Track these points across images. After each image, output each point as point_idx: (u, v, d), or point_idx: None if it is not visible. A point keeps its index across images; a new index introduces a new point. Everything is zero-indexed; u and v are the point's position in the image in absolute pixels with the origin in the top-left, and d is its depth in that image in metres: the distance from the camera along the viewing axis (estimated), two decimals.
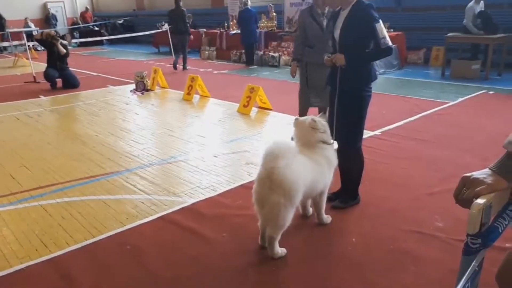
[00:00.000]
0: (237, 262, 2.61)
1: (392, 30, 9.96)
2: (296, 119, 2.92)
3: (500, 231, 1.08)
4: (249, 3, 11.44)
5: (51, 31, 9.00)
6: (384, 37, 2.82)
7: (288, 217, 2.50)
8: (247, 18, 11.30)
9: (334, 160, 2.88)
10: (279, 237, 2.56)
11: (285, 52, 11.69)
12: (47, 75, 8.82)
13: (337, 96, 3.05)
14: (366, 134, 4.89)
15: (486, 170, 1.12)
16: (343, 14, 2.95)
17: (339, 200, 3.26)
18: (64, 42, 9.07)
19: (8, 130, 5.88)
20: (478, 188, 1.07)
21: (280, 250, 2.60)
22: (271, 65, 11.41)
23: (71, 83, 8.85)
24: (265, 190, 2.43)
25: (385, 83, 8.43)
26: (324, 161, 2.78)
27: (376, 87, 7.94)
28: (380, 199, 3.37)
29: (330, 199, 3.21)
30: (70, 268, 2.59)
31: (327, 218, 3.00)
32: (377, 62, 9.20)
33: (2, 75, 11.40)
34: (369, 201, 3.31)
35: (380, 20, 2.85)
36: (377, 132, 5.08)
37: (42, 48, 10.51)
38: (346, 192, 3.30)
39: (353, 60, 2.91)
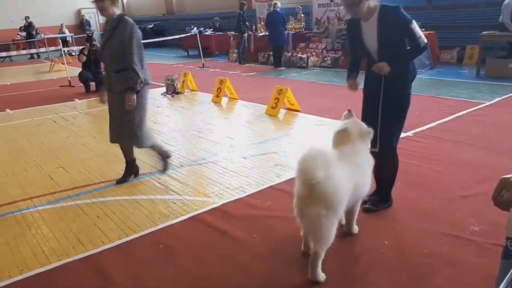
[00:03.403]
0: (268, 262, 2.62)
1: (423, 29, 9.72)
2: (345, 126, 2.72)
3: None
4: (279, 5, 11.47)
5: (86, 46, 9.26)
6: (420, 36, 2.81)
7: (333, 230, 2.31)
8: (275, 20, 11.34)
9: (372, 162, 2.79)
10: (323, 254, 2.35)
11: (313, 53, 11.64)
12: (81, 77, 9.13)
13: (381, 99, 3.00)
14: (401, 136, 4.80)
15: None
16: (370, 25, 2.88)
17: (371, 203, 3.21)
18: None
19: (46, 132, 6.13)
20: None
21: (321, 275, 2.37)
22: (299, 66, 11.39)
23: (98, 81, 9.13)
24: (306, 204, 2.27)
25: (417, 83, 8.07)
26: (366, 163, 2.69)
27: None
28: (412, 201, 3.31)
29: (364, 201, 3.17)
30: (105, 265, 2.68)
31: (356, 229, 2.89)
32: None
33: (40, 80, 11.89)
34: (401, 204, 3.26)
35: (413, 20, 2.81)
36: (410, 133, 4.97)
37: (77, 53, 10.86)
38: (379, 194, 3.25)
39: (395, 64, 2.87)
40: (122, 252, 2.84)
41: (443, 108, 6.12)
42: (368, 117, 3.06)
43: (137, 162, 4.20)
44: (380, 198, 3.24)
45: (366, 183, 2.68)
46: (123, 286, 2.47)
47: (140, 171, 4.24)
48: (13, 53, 14.45)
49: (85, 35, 10.03)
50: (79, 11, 22.67)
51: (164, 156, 4.10)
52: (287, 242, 2.84)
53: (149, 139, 3.92)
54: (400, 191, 3.36)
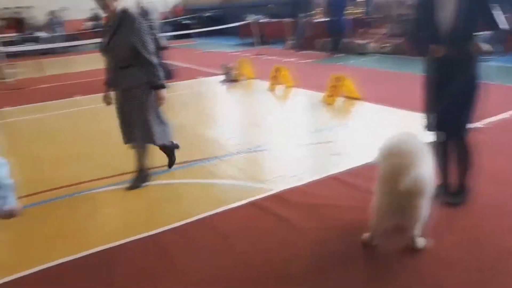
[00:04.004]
0: (324, 250, 2.61)
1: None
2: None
3: None
4: None
5: None
6: (502, 20, 2.61)
7: (428, 210, 2.43)
8: (336, 6, 11.07)
9: None
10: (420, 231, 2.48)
11: (373, 39, 11.22)
12: None
13: (451, 85, 2.83)
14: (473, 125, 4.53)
15: None
16: (448, 3, 2.71)
17: (451, 196, 3.06)
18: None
19: (112, 118, 6.46)
20: None
21: (423, 240, 2.51)
22: (358, 52, 11.04)
23: (164, 75, 9.44)
24: (404, 198, 2.29)
25: (486, 70, 7.68)
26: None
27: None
28: (485, 195, 3.09)
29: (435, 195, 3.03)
30: (167, 245, 2.81)
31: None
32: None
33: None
34: (473, 197, 3.07)
35: (495, 4, 2.62)
36: (479, 124, 4.65)
37: None
38: (459, 187, 3.09)
39: (467, 47, 2.68)
40: (182, 234, 2.96)
41: None
42: (433, 105, 2.91)
43: (194, 149, 4.30)
44: (457, 190, 3.09)
45: None
46: (184, 267, 2.57)
47: (199, 157, 4.36)
48: (81, 42, 15.29)
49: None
50: (139, 1, 23.49)
51: (171, 152, 3.97)
52: (344, 231, 2.80)
53: (167, 134, 3.79)
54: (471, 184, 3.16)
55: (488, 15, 2.64)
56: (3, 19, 18.66)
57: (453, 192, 3.08)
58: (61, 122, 6.57)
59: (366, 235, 2.61)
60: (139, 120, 3.56)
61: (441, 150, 3.09)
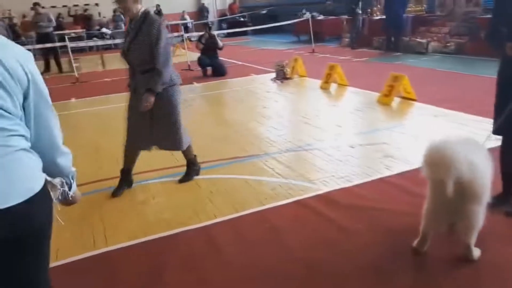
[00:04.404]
0: (371, 253, 2.57)
1: None
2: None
3: None
4: None
5: (204, 34, 9.86)
6: None
7: (483, 217, 2.32)
8: (394, 2, 10.71)
9: None
10: (475, 240, 2.36)
11: (434, 38, 10.73)
12: (200, 62, 9.81)
13: None
14: None
15: None
16: None
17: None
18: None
19: None
20: None
21: (477, 251, 2.40)
22: (417, 52, 10.60)
23: (219, 71, 9.66)
24: (454, 203, 2.20)
25: None
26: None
27: None
28: None
29: (491, 204, 2.88)
30: (216, 237, 2.90)
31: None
32: None
33: None
34: None
35: None
36: None
37: (196, 38, 11.60)
38: None
39: None
40: (231, 226, 3.04)
41: None
42: (505, 108, 2.74)
43: (245, 145, 4.35)
44: None
45: None
46: (234, 259, 2.64)
47: (249, 153, 4.43)
48: None
49: (204, 22, 10.63)
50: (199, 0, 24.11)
51: (193, 163, 3.94)
52: (394, 235, 2.74)
53: (187, 140, 3.75)
54: None
55: None
56: (72, 16, 19.93)
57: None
58: (120, 114, 6.92)
59: (416, 241, 2.52)
60: (166, 125, 3.54)
61: (507, 155, 2.91)
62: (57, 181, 1.50)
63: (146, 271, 2.61)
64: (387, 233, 2.78)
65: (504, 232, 2.70)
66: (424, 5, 11.88)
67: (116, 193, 3.68)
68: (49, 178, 1.46)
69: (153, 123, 3.53)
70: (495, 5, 3.03)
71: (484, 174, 2.26)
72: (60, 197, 1.54)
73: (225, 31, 18.02)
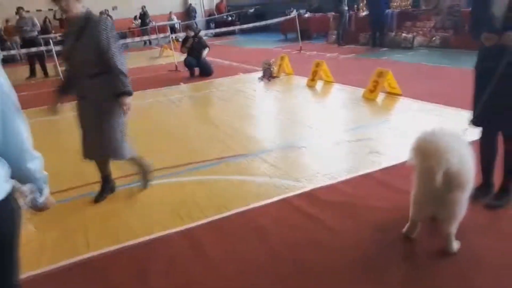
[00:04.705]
0: (358, 251, 2.57)
1: None
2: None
3: None
4: None
5: (189, 35, 9.79)
6: None
7: (465, 207, 2.38)
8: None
9: None
10: (455, 230, 2.41)
11: (420, 33, 10.80)
12: (186, 63, 9.75)
13: (504, 78, 2.66)
14: None
15: None
16: None
17: (493, 198, 2.92)
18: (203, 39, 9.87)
19: (154, 114, 6.70)
20: None
21: (457, 243, 2.45)
22: (403, 47, 10.67)
23: (206, 71, 9.63)
24: (441, 191, 2.25)
25: None
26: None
27: None
28: None
29: (471, 196, 2.91)
30: (201, 239, 2.88)
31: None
32: None
33: (150, 65, 12.97)
34: None
35: None
36: None
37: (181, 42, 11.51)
38: (503, 188, 2.94)
39: None
40: (216, 228, 3.01)
41: None
42: (482, 100, 2.76)
43: (231, 144, 4.34)
44: (500, 191, 2.94)
45: None
46: (219, 261, 2.62)
47: (235, 152, 4.42)
48: (129, 40, 15.90)
49: (187, 24, 10.57)
50: (186, 0, 24.01)
51: (145, 169, 3.74)
52: (379, 231, 2.74)
53: (130, 150, 3.52)
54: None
55: None
56: (58, 19, 19.71)
57: (495, 194, 2.92)
58: None
59: (406, 228, 2.60)
60: (104, 132, 3.32)
61: (486, 147, 2.94)
62: (25, 188, 1.47)
63: (131, 276, 2.58)
64: (369, 230, 2.77)
65: (484, 223, 2.72)
66: (410, 0, 11.94)
67: (98, 199, 3.63)
68: (17, 185, 1.43)
69: (98, 131, 3.33)
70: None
71: (469, 165, 2.32)
72: (30, 204, 1.51)
73: (213, 31, 17.98)
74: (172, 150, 4.82)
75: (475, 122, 2.87)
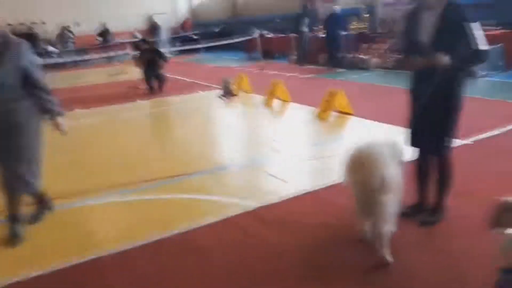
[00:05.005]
0: (298, 270, 2.58)
1: (498, 27, 8.95)
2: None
3: None
4: (338, 8, 11.56)
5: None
6: (479, 39, 2.59)
7: (395, 209, 2.53)
8: (332, 22, 11.37)
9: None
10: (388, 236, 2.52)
11: (376, 55, 11.21)
12: (146, 76, 9.83)
13: (429, 100, 2.81)
14: (456, 143, 4.45)
15: None
16: (431, 15, 2.72)
17: (427, 215, 3.01)
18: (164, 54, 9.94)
19: (107, 131, 6.56)
20: None
21: (389, 256, 2.52)
22: (360, 68, 11.03)
23: (160, 80, 9.74)
24: (375, 195, 2.42)
25: (485, 86, 7.63)
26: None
27: (473, 90, 7.21)
28: (467, 216, 3.02)
29: (405, 214, 3.01)
30: (137, 261, 2.80)
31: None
32: None
33: (110, 82, 12.75)
34: (454, 217, 3.00)
35: (477, 22, 2.61)
36: (468, 141, 4.59)
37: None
38: (436, 205, 3.03)
39: (451, 67, 2.66)
40: (154, 248, 2.95)
41: (511, 114, 5.57)
42: (415, 120, 2.92)
43: (183, 163, 4.26)
44: (434, 208, 3.03)
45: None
46: (151, 282, 2.56)
47: (186, 171, 4.37)
48: (95, 56, 15.58)
49: (135, 42, 10.69)
50: (150, 17, 23.94)
51: (45, 204, 3.45)
52: (322, 250, 2.78)
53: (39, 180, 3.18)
54: (454, 203, 3.07)
55: (465, 35, 2.62)
56: (17, 35, 19.14)
57: (429, 211, 3.02)
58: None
59: (358, 233, 2.77)
60: (20, 160, 3.01)
61: (420, 166, 3.05)
62: None
63: None
64: (314, 248, 2.80)
65: (418, 240, 2.79)
66: (367, 23, 12.42)
67: (32, 220, 3.38)
68: None
69: (8, 158, 3.01)
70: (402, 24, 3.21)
71: (398, 172, 2.51)
72: None
73: (178, 48, 17.97)
74: (121, 169, 4.70)
75: (409, 142, 2.99)
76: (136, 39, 10.21)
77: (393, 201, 2.48)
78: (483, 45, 2.61)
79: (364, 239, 2.72)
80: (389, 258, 2.51)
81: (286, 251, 2.79)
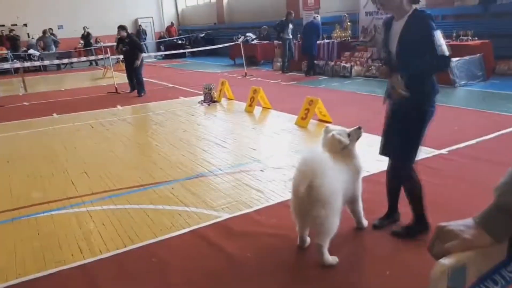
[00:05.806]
0: (258, 283, 2.49)
1: (476, 38, 9.08)
2: (325, 129, 2.95)
3: None
4: (318, 17, 11.87)
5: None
6: (441, 45, 2.57)
7: (334, 224, 2.52)
8: (309, 30, 11.52)
9: (361, 167, 2.89)
10: (327, 245, 2.55)
11: (357, 63, 11.28)
12: (128, 77, 10.10)
13: (395, 110, 2.82)
14: (431, 153, 4.45)
15: (469, 221, 0.89)
16: (399, 25, 2.71)
17: (403, 228, 2.95)
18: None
19: (81, 137, 6.40)
20: (449, 244, 0.84)
21: (331, 258, 2.57)
22: (342, 75, 11.07)
23: (138, 90, 9.88)
24: (305, 205, 2.47)
25: (463, 96, 7.70)
26: (352, 168, 2.80)
27: (452, 100, 7.27)
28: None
29: (375, 226, 3.00)
30: (98, 276, 2.68)
31: (365, 223, 3.03)
32: (458, 73, 8.44)
33: (91, 86, 12.57)
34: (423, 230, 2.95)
35: (439, 30, 2.59)
36: (444, 151, 4.58)
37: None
38: (415, 218, 2.96)
39: (413, 76, 2.65)
40: (116, 262, 2.83)
41: (488, 124, 5.60)
42: (385, 128, 2.94)
43: (155, 171, 4.19)
44: (413, 221, 2.97)
45: (352, 187, 2.82)
46: None
47: (157, 180, 4.26)
48: (74, 59, 15.37)
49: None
50: (136, 21, 23.80)
51: None
52: (285, 263, 2.69)
53: None
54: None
55: (428, 42, 2.59)
56: None
57: (407, 224, 2.96)
58: (33, 140, 6.46)
59: (298, 240, 2.82)
60: None
61: (389, 176, 3.02)
62: None
63: None
64: (274, 259, 2.71)
65: (385, 255, 2.73)
66: (349, 31, 12.50)
67: None
68: None
69: None
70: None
71: (333, 181, 2.49)
72: None
73: (163, 53, 17.84)
74: (90, 177, 4.56)
75: (382, 151, 2.96)
76: (123, 29, 10.29)
77: (331, 216, 2.47)
78: (446, 51, 2.60)
79: (303, 246, 2.79)
80: (332, 261, 2.56)
81: (244, 264, 2.71)
